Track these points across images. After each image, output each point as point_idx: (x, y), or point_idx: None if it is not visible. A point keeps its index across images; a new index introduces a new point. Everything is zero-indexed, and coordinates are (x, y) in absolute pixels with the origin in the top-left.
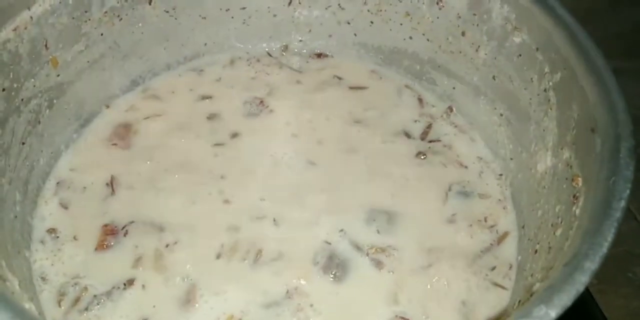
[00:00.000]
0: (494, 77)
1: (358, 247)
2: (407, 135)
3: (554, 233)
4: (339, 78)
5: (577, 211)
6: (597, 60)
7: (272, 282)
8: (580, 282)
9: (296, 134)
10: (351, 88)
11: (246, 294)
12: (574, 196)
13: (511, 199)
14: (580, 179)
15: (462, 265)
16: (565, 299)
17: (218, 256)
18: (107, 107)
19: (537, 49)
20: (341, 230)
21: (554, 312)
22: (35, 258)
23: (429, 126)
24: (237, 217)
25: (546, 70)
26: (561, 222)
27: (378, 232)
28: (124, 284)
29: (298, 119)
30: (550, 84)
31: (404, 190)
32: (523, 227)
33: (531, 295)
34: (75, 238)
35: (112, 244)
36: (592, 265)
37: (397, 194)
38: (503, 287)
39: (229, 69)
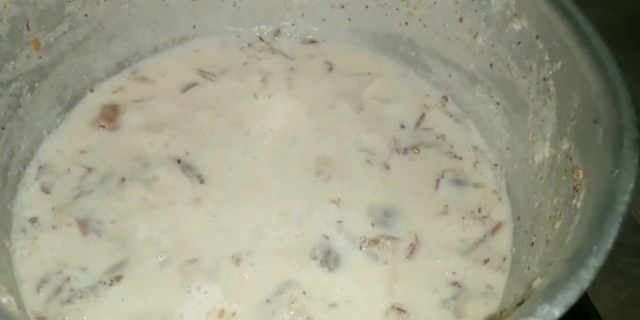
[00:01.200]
0: (491, 65)
1: (352, 239)
2: (401, 124)
3: (552, 226)
4: (331, 64)
5: (578, 204)
6: (600, 50)
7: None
8: (585, 279)
9: (288, 121)
10: (344, 75)
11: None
12: (574, 188)
13: (506, 189)
14: (580, 171)
15: (455, 257)
16: (569, 297)
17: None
18: (92, 90)
19: (537, 37)
20: (338, 222)
21: (557, 311)
22: (15, 248)
23: (422, 116)
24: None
25: (546, 58)
26: (560, 215)
27: (372, 224)
28: (111, 280)
29: (289, 107)
30: (550, 72)
31: (396, 180)
32: (519, 218)
33: (531, 291)
34: (55, 226)
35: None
36: (596, 262)
37: (389, 183)
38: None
39: (219, 54)
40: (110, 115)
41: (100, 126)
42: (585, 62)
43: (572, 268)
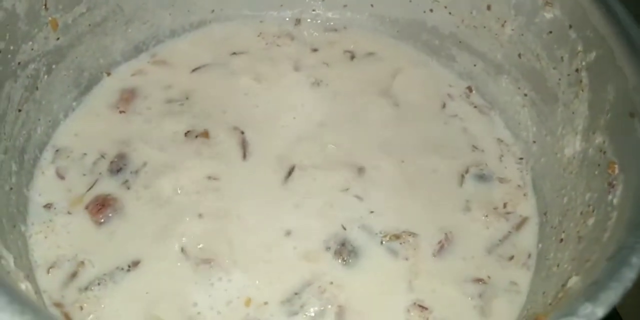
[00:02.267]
0: (519, 55)
1: (373, 234)
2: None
3: (584, 222)
4: (353, 52)
5: (615, 200)
6: (638, 41)
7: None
8: (628, 278)
9: (307, 110)
10: (365, 64)
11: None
12: (609, 184)
13: (532, 184)
14: (616, 166)
15: (479, 254)
16: (612, 296)
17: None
18: (108, 74)
19: (571, 26)
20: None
21: (600, 311)
22: (31, 233)
23: (444, 106)
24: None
25: (579, 49)
26: (593, 211)
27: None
28: (129, 266)
29: (307, 96)
30: (583, 63)
31: (418, 174)
32: (545, 214)
33: (567, 289)
34: (70, 212)
35: (109, 216)
36: (638, 260)
37: (411, 177)
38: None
39: (237, 39)
40: (129, 99)
41: (120, 111)
42: (622, 54)
43: (614, 266)
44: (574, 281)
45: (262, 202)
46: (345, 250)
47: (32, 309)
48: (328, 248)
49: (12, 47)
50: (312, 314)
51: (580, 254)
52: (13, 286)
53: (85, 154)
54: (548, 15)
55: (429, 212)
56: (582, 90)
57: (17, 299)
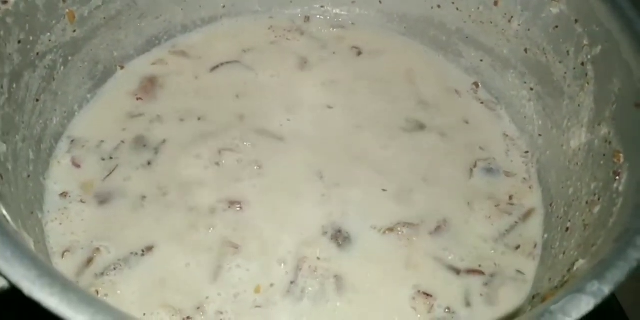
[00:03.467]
0: (526, 50)
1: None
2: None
3: (590, 210)
4: (360, 49)
5: (620, 188)
6: None
7: None
8: (634, 258)
9: (320, 104)
10: (371, 60)
11: None
12: (614, 172)
13: (537, 176)
14: (621, 155)
15: (486, 244)
16: (618, 275)
17: None
18: (122, 68)
19: (577, 21)
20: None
21: (607, 289)
22: (47, 220)
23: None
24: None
25: (585, 42)
26: (599, 200)
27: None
28: (142, 251)
29: (316, 90)
30: (589, 57)
31: (425, 166)
32: (551, 205)
33: (574, 273)
34: (83, 201)
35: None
36: None
37: (419, 169)
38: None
39: (247, 34)
40: (148, 89)
41: (137, 98)
42: (628, 47)
43: (620, 247)
44: (580, 264)
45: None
46: (340, 237)
47: (61, 282)
48: (325, 233)
49: (31, 38)
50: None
51: (586, 240)
52: (42, 260)
53: (102, 141)
54: (554, 11)
55: (436, 203)
56: (588, 83)
57: (47, 273)
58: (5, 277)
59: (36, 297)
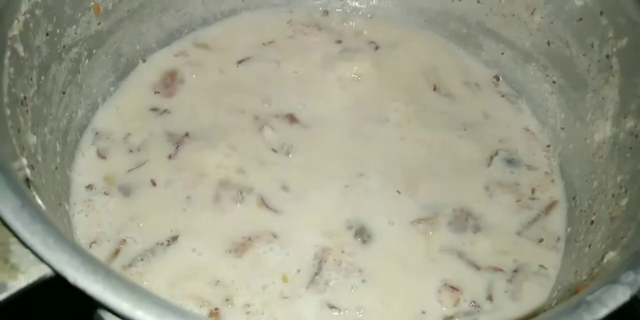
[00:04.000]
0: (548, 43)
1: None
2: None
3: (617, 203)
4: (378, 42)
5: None
6: None
7: None
8: None
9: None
10: (391, 53)
11: None
12: None
13: (559, 170)
14: None
15: (508, 236)
16: None
17: None
18: (144, 61)
19: (602, 13)
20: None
21: None
22: (74, 212)
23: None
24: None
25: (610, 35)
26: (626, 192)
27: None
28: (168, 241)
29: (337, 86)
30: (614, 49)
31: (446, 159)
32: (574, 198)
33: (605, 264)
34: (107, 193)
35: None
36: None
37: (439, 162)
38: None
39: (266, 27)
40: (169, 82)
41: (155, 92)
42: None
43: None
44: (610, 256)
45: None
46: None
47: (104, 269)
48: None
49: (58, 30)
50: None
51: (614, 232)
52: (83, 248)
53: (129, 133)
54: (578, 3)
55: (457, 196)
56: (613, 76)
57: (90, 260)
58: (48, 265)
59: (80, 285)
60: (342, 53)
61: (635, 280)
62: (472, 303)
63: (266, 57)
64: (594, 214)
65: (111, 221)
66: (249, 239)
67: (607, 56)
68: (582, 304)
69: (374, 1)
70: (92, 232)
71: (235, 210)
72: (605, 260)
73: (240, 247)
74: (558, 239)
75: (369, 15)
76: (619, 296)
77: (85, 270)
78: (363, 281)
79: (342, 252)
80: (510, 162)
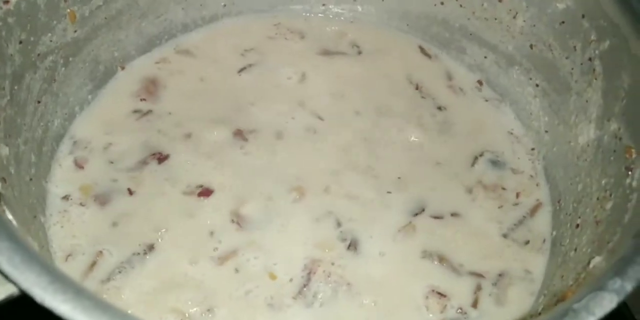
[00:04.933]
0: (531, 46)
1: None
2: (437, 107)
3: (602, 206)
4: (361, 46)
5: (634, 183)
6: None
7: None
8: None
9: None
10: (374, 57)
11: None
12: (626, 168)
13: (544, 173)
14: (633, 150)
15: (492, 241)
16: None
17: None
18: (123, 68)
19: (584, 16)
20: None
21: (629, 285)
22: (50, 224)
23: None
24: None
25: (592, 38)
26: (611, 195)
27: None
28: (144, 250)
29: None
30: (597, 52)
31: (430, 163)
32: (559, 201)
33: (591, 269)
34: (83, 204)
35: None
36: None
37: (423, 166)
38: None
39: (247, 33)
40: (150, 89)
41: (141, 99)
42: (637, 41)
43: None
44: (597, 261)
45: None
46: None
47: (73, 288)
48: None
49: (32, 38)
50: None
51: (600, 236)
52: (52, 266)
53: (110, 143)
54: (560, 6)
55: (442, 197)
56: (596, 79)
57: (59, 278)
58: (15, 284)
59: (48, 305)
60: (325, 58)
61: (622, 287)
62: (459, 310)
63: (247, 64)
64: (579, 218)
65: (87, 232)
66: (230, 250)
67: (590, 59)
68: (569, 313)
69: (357, 6)
70: (68, 244)
71: (215, 220)
72: (591, 265)
73: (222, 256)
74: (544, 240)
75: (351, 21)
76: (606, 304)
77: (53, 289)
78: (349, 290)
79: (332, 264)
80: (495, 164)
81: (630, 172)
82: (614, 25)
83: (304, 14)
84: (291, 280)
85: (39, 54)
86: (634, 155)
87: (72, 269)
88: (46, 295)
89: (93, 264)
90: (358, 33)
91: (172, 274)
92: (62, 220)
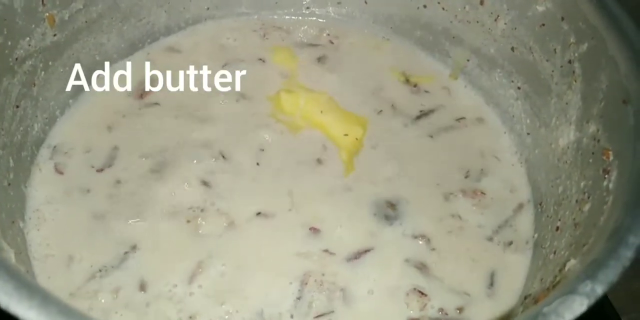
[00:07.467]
0: (512, 49)
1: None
2: (419, 110)
3: (580, 209)
4: (345, 50)
5: (611, 185)
6: (629, 30)
7: None
8: (626, 257)
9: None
10: (357, 60)
11: None
12: (604, 170)
13: (526, 175)
14: (611, 152)
15: (477, 244)
16: (611, 275)
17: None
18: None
19: (563, 19)
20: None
21: (600, 289)
22: (29, 228)
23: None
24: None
25: (572, 40)
26: (589, 198)
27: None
28: (125, 253)
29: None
30: (576, 54)
31: (412, 165)
32: (540, 204)
33: (566, 272)
34: (62, 208)
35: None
36: (636, 239)
37: (405, 169)
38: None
39: (231, 35)
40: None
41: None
42: (614, 43)
43: (612, 246)
44: (572, 264)
45: None
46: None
47: (40, 294)
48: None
49: (9, 43)
50: None
51: (577, 239)
52: (19, 272)
53: (89, 148)
54: (540, 8)
55: (422, 203)
56: (575, 81)
57: (25, 284)
58: None
59: (13, 311)
60: (309, 60)
61: (593, 290)
62: (440, 311)
63: (230, 65)
64: (560, 220)
65: (65, 236)
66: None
67: (570, 61)
68: (539, 316)
69: (341, 9)
70: (45, 247)
71: (198, 226)
72: (566, 268)
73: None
74: (527, 242)
75: (335, 24)
76: (576, 307)
77: (19, 295)
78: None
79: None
80: (481, 171)
81: (607, 175)
82: (592, 28)
83: (287, 17)
84: None
85: (17, 59)
86: (611, 158)
87: (53, 273)
88: (11, 301)
89: (68, 267)
90: (342, 36)
91: (150, 279)
92: (40, 225)
